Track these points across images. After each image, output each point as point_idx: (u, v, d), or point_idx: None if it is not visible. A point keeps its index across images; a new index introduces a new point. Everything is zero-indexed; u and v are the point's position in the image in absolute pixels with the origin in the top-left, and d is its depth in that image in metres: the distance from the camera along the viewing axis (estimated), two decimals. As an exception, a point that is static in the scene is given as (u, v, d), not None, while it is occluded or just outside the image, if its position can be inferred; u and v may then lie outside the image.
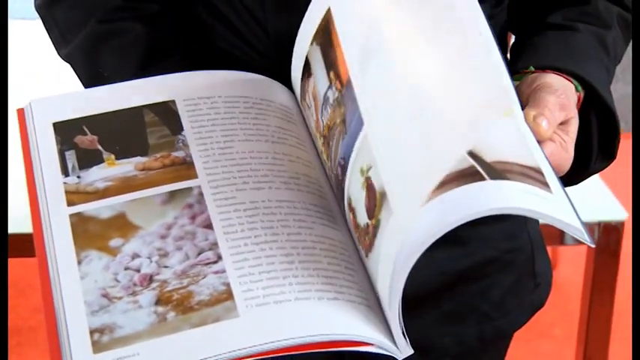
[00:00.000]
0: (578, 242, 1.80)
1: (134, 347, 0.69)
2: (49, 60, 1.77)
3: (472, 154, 0.69)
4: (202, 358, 0.68)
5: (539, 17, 0.96)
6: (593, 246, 0.73)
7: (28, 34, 2.56)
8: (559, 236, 1.81)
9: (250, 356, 0.69)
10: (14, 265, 2.68)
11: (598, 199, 1.85)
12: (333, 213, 0.81)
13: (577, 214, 0.70)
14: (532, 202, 0.67)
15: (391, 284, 0.70)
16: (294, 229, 0.77)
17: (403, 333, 0.73)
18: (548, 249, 1.11)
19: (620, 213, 1.83)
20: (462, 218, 0.66)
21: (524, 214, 0.67)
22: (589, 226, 1.80)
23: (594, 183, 1.91)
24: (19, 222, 1.67)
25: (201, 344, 0.69)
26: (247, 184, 0.79)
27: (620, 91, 3.68)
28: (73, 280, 0.72)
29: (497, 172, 0.67)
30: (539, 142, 0.75)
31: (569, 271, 2.67)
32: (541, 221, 1.08)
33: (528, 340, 2.45)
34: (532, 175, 0.69)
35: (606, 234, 1.81)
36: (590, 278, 1.88)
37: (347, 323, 0.72)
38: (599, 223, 1.81)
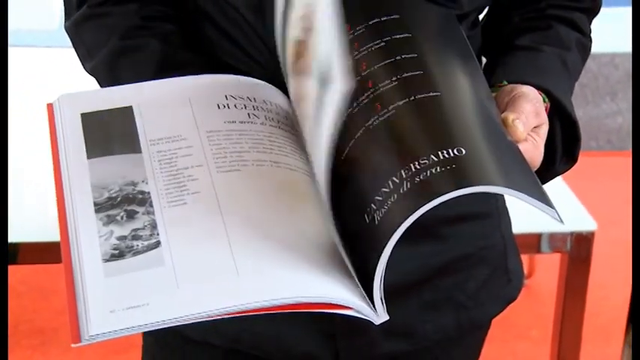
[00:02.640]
0: (553, 250, 1.81)
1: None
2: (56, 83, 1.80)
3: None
4: (197, 312, 0.68)
5: (507, 40, 1.00)
6: (563, 223, 0.77)
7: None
8: (536, 245, 1.81)
9: (230, 314, 0.70)
10: (39, 270, 2.68)
11: (571, 212, 1.86)
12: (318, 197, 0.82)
13: (548, 199, 0.76)
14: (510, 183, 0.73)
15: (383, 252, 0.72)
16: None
17: (382, 300, 0.74)
18: (525, 257, 1.11)
19: (591, 224, 1.83)
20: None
21: (509, 194, 0.72)
22: (562, 236, 1.81)
23: (568, 197, 1.92)
24: (42, 231, 1.68)
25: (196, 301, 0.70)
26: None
27: (590, 113, 3.69)
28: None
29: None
30: (516, 141, 0.82)
31: (544, 277, 2.67)
32: (519, 229, 1.11)
33: (507, 341, 2.45)
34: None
35: (578, 243, 1.81)
36: (564, 283, 1.88)
37: (327, 287, 0.73)
38: (571, 234, 1.81)
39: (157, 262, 0.72)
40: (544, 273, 2.68)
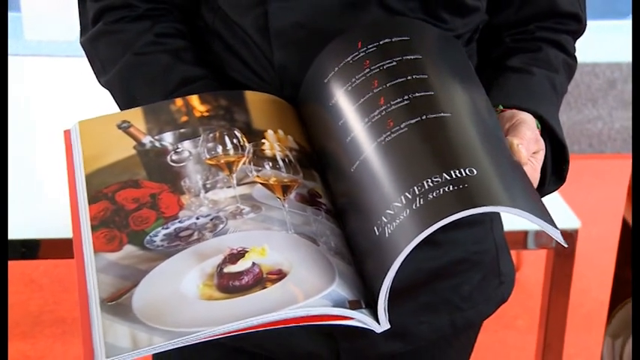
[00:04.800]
0: (539, 247, 1.81)
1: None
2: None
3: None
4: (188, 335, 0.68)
5: (499, 60, 0.99)
6: (565, 245, 0.78)
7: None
8: (522, 241, 1.80)
9: (235, 331, 0.69)
10: (60, 265, 2.68)
11: (557, 211, 1.85)
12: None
13: (552, 219, 0.76)
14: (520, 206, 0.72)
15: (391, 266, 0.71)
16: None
17: (385, 310, 0.73)
18: (513, 253, 1.11)
19: (575, 222, 1.82)
20: (464, 213, 0.70)
21: (516, 215, 0.72)
22: (548, 234, 1.80)
23: (554, 198, 1.91)
24: (63, 228, 1.67)
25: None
26: None
27: (573, 119, 3.69)
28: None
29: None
30: None
31: (531, 271, 2.67)
32: (506, 226, 1.11)
33: (496, 331, 2.45)
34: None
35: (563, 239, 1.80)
36: (549, 277, 1.87)
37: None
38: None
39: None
40: (531, 267, 2.68)
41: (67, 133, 0.85)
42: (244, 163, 0.81)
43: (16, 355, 2.32)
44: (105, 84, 0.97)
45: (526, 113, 0.89)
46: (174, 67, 0.93)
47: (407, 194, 0.72)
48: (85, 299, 0.70)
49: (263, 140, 0.83)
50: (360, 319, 0.72)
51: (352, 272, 0.76)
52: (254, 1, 0.90)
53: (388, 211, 0.73)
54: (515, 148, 0.82)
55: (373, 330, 0.74)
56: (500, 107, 0.91)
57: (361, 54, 0.83)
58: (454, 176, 0.72)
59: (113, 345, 0.67)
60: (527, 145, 0.84)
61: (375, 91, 0.81)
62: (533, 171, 0.85)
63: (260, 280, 0.72)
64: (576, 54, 1.04)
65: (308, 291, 0.71)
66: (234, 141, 0.83)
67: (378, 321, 0.73)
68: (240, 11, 0.92)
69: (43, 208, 1.75)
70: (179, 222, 0.76)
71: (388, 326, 0.74)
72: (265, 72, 0.93)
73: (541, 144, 0.88)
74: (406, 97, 0.79)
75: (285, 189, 0.80)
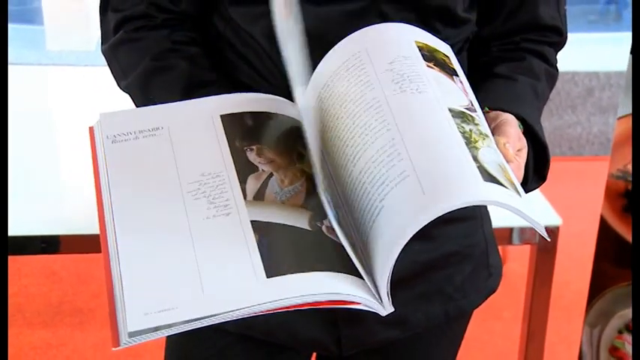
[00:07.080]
0: (523, 242, 1.81)
1: None
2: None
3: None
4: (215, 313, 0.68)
5: (486, 67, 1.00)
6: (548, 239, 0.77)
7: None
8: (508, 237, 1.80)
9: (254, 313, 0.68)
10: (78, 259, 2.68)
11: (539, 209, 1.85)
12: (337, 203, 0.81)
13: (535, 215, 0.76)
14: (511, 200, 0.73)
15: (390, 252, 0.72)
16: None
17: (388, 294, 0.74)
18: (499, 248, 1.11)
19: (556, 219, 1.82)
20: (462, 203, 0.71)
21: (504, 208, 0.72)
22: (531, 230, 1.80)
23: (536, 196, 1.91)
24: (81, 224, 1.67)
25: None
26: None
27: (554, 124, 3.69)
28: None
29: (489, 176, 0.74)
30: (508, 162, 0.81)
31: (516, 265, 2.66)
32: (493, 224, 1.10)
33: (484, 321, 2.44)
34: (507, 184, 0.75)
35: (545, 236, 1.80)
36: (533, 271, 1.87)
37: (340, 287, 0.72)
38: (539, 228, 1.80)
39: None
40: (515, 262, 2.68)
41: (91, 130, 0.84)
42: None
43: (39, 343, 2.32)
44: (124, 88, 0.97)
45: (508, 114, 0.89)
46: (190, 72, 0.93)
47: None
48: (110, 285, 0.70)
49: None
50: (366, 303, 0.72)
51: (357, 257, 0.76)
52: (263, 11, 0.90)
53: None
54: (502, 146, 0.81)
55: (376, 314, 0.74)
56: (486, 108, 0.91)
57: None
58: None
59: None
60: (513, 142, 0.84)
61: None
62: (518, 168, 0.84)
63: None
64: (557, 64, 1.04)
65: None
66: None
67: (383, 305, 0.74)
68: (251, 20, 0.92)
69: (63, 207, 1.75)
70: None
71: (392, 309, 0.74)
72: (273, 77, 0.93)
73: (524, 142, 0.88)
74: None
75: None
